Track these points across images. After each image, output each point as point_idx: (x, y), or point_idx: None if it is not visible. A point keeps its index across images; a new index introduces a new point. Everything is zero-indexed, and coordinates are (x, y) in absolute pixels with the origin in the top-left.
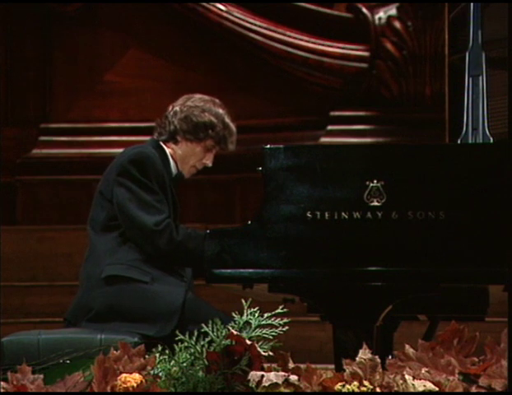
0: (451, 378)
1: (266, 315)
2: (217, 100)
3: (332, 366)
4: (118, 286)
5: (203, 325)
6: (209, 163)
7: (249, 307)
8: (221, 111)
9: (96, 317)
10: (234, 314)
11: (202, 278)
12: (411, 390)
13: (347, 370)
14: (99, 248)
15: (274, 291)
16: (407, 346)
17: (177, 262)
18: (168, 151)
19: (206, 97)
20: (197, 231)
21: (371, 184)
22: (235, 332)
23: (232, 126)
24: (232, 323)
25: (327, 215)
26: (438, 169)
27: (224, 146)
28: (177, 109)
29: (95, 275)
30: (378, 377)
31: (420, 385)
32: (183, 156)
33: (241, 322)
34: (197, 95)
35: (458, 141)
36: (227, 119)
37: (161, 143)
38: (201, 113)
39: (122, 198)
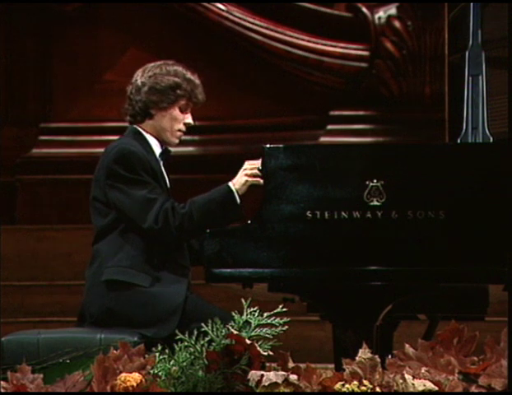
0: (451, 377)
1: (266, 315)
2: (169, 61)
3: (332, 366)
4: (116, 292)
5: (204, 324)
6: (191, 121)
7: (249, 307)
8: (179, 69)
9: (97, 322)
10: (234, 314)
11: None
12: (411, 390)
13: (347, 370)
14: (101, 250)
15: (274, 291)
16: (406, 346)
17: (186, 237)
18: (146, 131)
19: (158, 63)
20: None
21: (371, 184)
22: (234, 332)
23: (194, 78)
24: (232, 323)
25: (326, 214)
26: (438, 169)
27: (195, 100)
28: (138, 83)
29: (97, 277)
30: (377, 376)
31: (419, 385)
32: (164, 126)
33: (241, 322)
34: (149, 65)
35: (458, 141)
36: (188, 75)
37: (139, 128)
38: (162, 79)
39: (118, 202)
